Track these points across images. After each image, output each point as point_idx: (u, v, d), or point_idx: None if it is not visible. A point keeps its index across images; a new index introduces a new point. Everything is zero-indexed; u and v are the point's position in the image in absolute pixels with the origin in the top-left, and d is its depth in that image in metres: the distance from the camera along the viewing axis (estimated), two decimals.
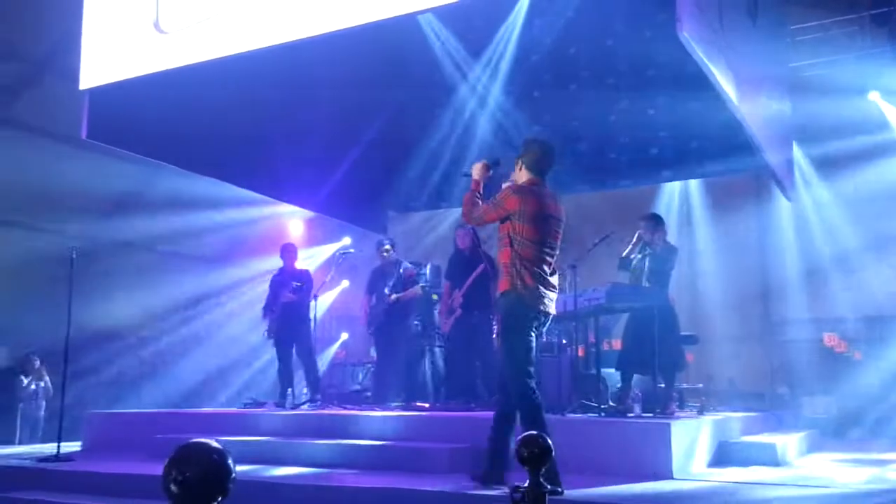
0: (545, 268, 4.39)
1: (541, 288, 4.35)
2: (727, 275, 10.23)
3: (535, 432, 2.37)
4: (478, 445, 5.33)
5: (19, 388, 9.60)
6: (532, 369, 4.32)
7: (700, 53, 4.97)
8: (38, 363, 9.67)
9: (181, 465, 1.31)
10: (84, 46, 6.87)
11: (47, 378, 9.69)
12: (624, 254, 6.76)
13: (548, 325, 4.59)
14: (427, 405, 7.08)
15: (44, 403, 9.59)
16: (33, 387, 9.60)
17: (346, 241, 9.02)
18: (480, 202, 4.54)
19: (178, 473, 1.32)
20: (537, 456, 2.31)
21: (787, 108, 8.73)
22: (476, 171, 4.63)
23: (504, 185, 4.58)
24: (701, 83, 5.70)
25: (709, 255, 10.35)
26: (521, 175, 4.56)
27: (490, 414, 6.08)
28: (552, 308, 4.46)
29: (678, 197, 10.75)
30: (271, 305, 8.11)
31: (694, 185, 10.63)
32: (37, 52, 8.99)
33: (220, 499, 1.34)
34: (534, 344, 4.40)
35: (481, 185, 4.59)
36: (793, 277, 10.27)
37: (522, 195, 4.40)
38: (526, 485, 2.34)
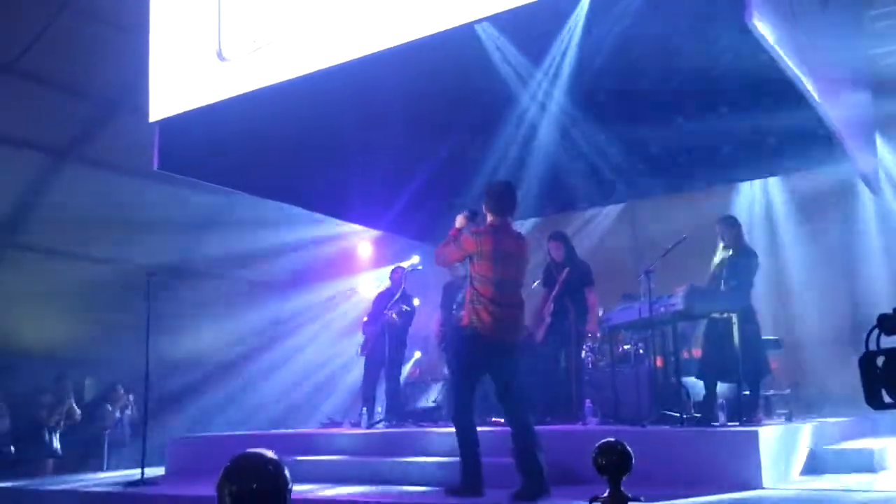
0: (502, 302, 4.70)
1: (495, 322, 4.67)
2: (813, 275, 9.76)
3: (612, 439, 2.26)
4: (554, 459, 5.20)
5: (106, 416, 9.88)
6: (469, 390, 4.74)
7: (771, 42, 4.76)
8: (122, 392, 9.93)
9: (235, 477, 1.25)
10: (151, 80, 7.06)
11: (133, 406, 9.94)
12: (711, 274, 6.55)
13: (509, 353, 4.81)
14: (503, 420, 6.92)
15: (129, 430, 9.83)
16: (118, 415, 9.86)
17: (415, 259, 8.99)
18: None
19: (231, 486, 1.25)
20: (616, 464, 2.19)
21: (867, 98, 8.33)
22: (458, 220, 5.02)
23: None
24: (773, 75, 5.47)
25: (793, 256, 9.90)
26: (488, 217, 4.89)
27: (577, 427, 5.98)
28: (510, 336, 4.78)
29: (759, 197, 10.34)
30: (371, 323, 8.16)
31: (774, 183, 10.21)
32: (109, 91, 9.30)
33: None
34: (481, 369, 4.76)
35: (461, 232, 4.94)
36: (881, 277, 9.75)
37: (478, 237, 4.76)
38: (606, 495, 2.22)
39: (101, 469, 9.08)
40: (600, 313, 7.36)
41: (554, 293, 7.16)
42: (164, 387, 11.46)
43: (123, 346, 8.88)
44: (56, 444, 9.13)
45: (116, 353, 9.81)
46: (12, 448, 8.81)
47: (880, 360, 1.41)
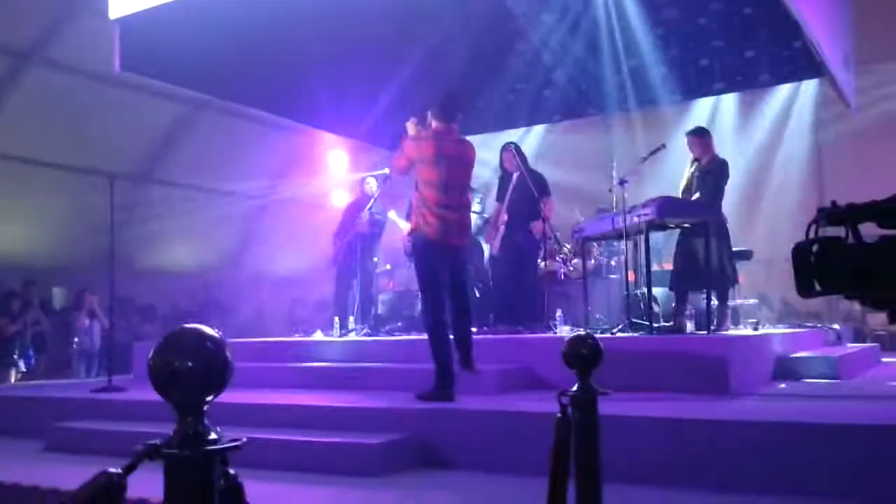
0: (447, 205, 4.76)
1: (441, 224, 4.73)
2: (783, 188, 9.79)
3: (583, 333, 2.23)
4: (527, 367, 5.26)
5: (75, 324, 9.79)
6: (437, 294, 4.78)
7: None
8: (92, 300, 9.81)
9: (168, 354, 1.15)
10: None
11: (101, 315, 9.83)
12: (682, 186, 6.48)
13: (458, 254, 4.92)
14: (474, 329, 6.94)
15: (99, 339, 9.76)
16: (87, 323, 9.76)
17: (388, 169, 8.81)
18: None
19: (163, 363, 1.15)
20: (586, 357, 2.14)
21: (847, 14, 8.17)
22: (409, 127, 5.01)
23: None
24: None
25: (764, 167, 9.88)
26: (433, 124, 4.89)
27: (548, 336, 6.01)
28: (457, 240, 4.85)
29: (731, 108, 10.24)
30: (341, 233, 8.08)
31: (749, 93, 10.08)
32: None
33: (215, 393, 1.17)
34: (441, 271, 4.78)
35: (409, 139, 4.91)
36: (851, 191, 9.80)
37: (418, 141, 4.82)
38: (574, 389, 2.17)
39: (70, 377, 9.06)
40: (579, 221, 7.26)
41: (505, 203, 7.06)
42: (139, 298, 11.41)
43: (92, 254, 8.74)
44: (22, 352, 9.05)
45: (87, 263, 9.66)
46: None
47: (815, 248, 1.43)
